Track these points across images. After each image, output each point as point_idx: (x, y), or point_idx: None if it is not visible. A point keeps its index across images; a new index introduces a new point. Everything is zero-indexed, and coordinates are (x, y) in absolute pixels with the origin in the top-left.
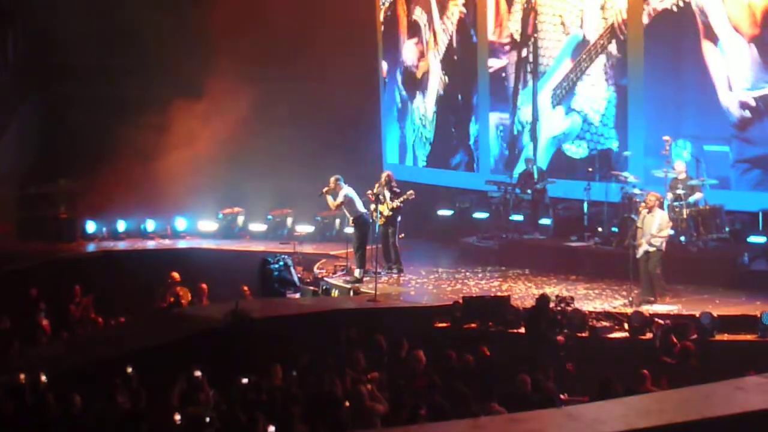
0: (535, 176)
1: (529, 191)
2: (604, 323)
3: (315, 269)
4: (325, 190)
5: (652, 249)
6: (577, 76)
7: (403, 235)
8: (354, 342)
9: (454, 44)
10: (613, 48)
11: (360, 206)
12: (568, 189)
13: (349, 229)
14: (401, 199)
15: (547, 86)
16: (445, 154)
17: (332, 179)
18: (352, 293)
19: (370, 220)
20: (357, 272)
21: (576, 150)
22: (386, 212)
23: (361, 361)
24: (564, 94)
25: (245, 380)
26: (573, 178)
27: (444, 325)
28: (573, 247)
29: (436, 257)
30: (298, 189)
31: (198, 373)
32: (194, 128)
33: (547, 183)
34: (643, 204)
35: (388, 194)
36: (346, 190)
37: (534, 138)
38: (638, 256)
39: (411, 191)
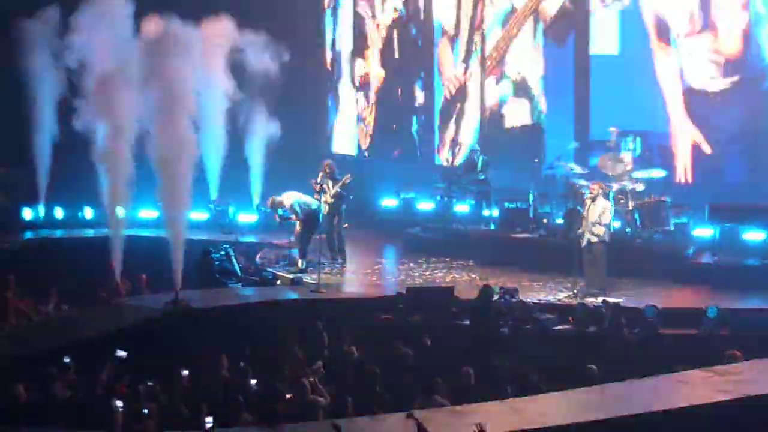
0: (479, 166)
1: (473, 182)
2: (549, 315)
3: (257, 259)
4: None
5: (594, 239)
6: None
7: (347, 224)
8: (295, 333)
9: (395, 37)
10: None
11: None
12: (514, 180)
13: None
14: (339, 183)
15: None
16: (386, 144)
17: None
18: (295, 284)
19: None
20: (300, 262)
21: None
22: (329, 200)
23: (301, 353)
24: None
25: (185, 372)
26: (514, 158)
27: (387, 317)
28: (518, 238)
29: (380, 248)
30: (242, 177)
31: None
32: None
33: (487, 171)
34: (588, 194)
35: (330, 183)
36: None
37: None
38: (582, 245)
39: (348, 174)
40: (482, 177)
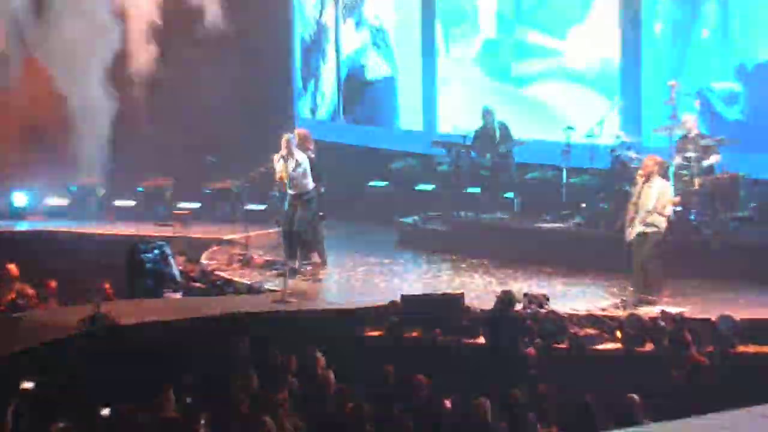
0: (497, 135)
1: (488, 155)
2: (590, 331)
3: (203, 260)
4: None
5: (648, 230)
6: None
7: (322, 213)
8: (256, 356)
9: None
10: None
11: (311, 179)
12: (540, 152)
13: (255, 206)
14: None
15: None
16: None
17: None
18: (254, 292)
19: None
20: (298, 265)
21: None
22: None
23: (262, 383)
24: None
25: (106, 411)
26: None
27: (377, 333)
28: (547, 229)
29: (366, 243)
30: (182, 151)
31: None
32: None
33: (516, 145)
34: (639, 172)
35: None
36: (299, 156)
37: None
38: (629, 239)
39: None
40: (502, 149)
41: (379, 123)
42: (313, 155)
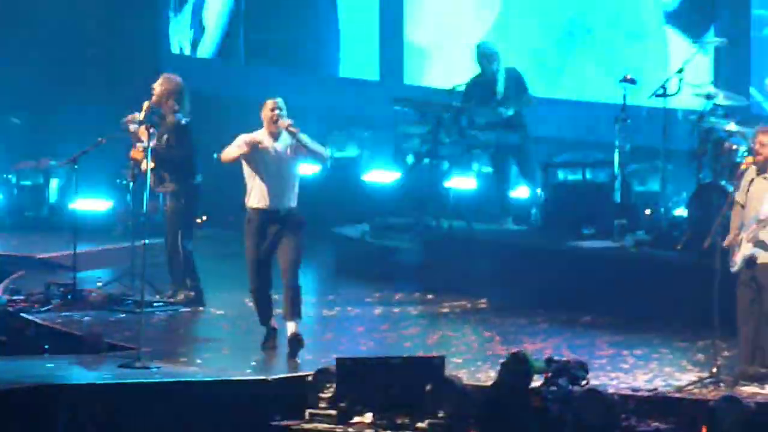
0: (500, 87)
1: (491, 123)
2: (657, 424)
3: None
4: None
5: (764, 256)
6: None
7: (205, 217)
8: None
9: None
10: None
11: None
12: (576, 120)
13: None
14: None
15: None
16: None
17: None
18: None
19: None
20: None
21: None
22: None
23: None
24: None
25: None
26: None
27: (292, 423)
28: (586, 250)
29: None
30: None
31: None
32: None
33: (531, 104)
34: (748, 157)
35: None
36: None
37: None
38: (734, 269)
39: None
40: (510, 112)
41: (303, 66)
42: (185, 119)
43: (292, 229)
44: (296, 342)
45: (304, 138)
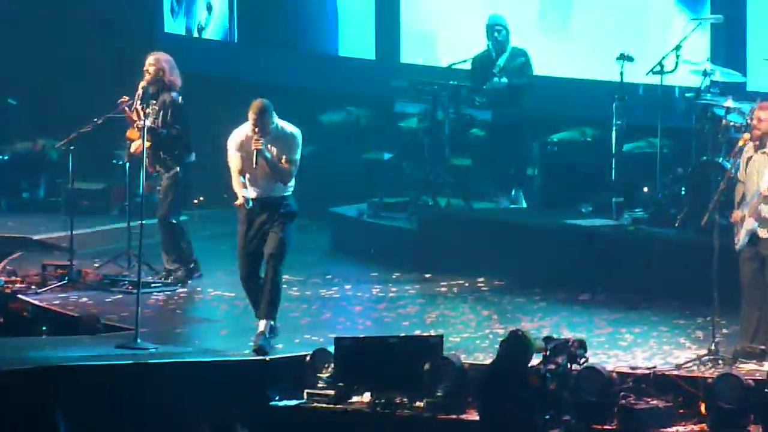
0: (501, 59)
1: (489, 97)
2: (655, 402)
3: None
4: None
5: (766, 234)
6: None
7: (202, 198)
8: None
9: None
10: None
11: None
12: (574, 98)
13: (88, 185)
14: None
15: None
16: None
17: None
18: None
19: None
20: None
21: None
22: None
23: None
24: None
25: None
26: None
27: (292, 403)
28: (585, 228)
29: None
30: None
31: None
32: None
33: (527, 85)
34: (745, 134)
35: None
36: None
37: None
38: (738, 247)
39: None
40: (503, 80)
41: (303, 46)
42: (178, 98)
43: (279, 221)
44: (260, 351)
45: (269, 158)
